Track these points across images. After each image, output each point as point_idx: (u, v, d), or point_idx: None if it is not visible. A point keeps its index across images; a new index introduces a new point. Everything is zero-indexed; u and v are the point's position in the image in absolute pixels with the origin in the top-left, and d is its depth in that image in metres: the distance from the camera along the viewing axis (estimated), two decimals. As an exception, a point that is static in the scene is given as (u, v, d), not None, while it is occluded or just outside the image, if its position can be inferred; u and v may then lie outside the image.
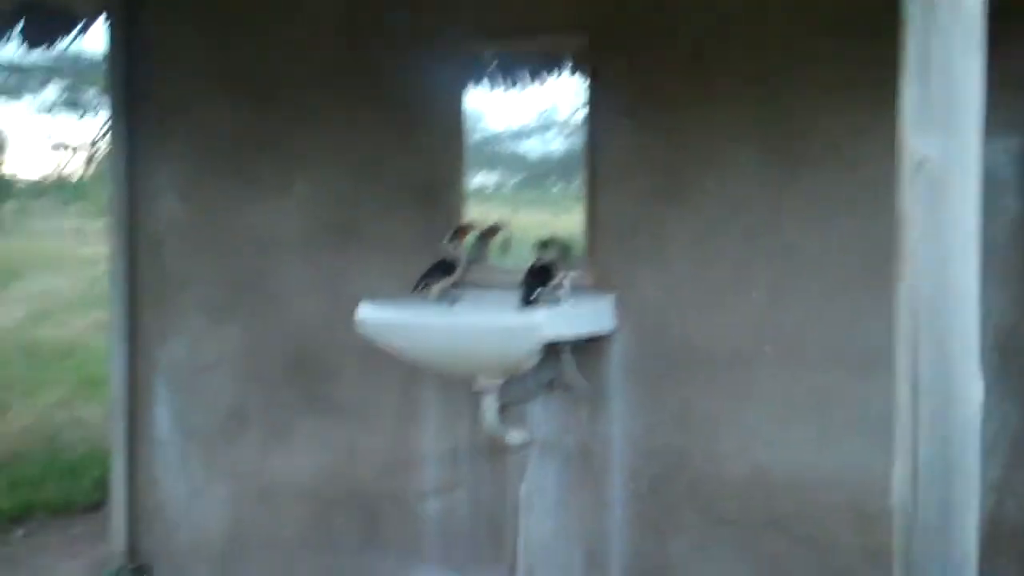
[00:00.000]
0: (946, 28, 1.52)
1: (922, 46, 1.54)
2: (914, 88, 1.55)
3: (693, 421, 3.01)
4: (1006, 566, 2.66)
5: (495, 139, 3.49)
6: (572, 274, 3.04)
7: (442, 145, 3.39)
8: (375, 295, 3.18)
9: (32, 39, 4.57)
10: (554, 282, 3.02)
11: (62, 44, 4.70)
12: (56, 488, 5.18)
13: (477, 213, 3.37)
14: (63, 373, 7.94)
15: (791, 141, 2.86)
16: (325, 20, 3.62)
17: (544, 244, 3.14)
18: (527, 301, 2.97)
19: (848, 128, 2.77)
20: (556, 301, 2.99)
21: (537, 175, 3.50)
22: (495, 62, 3.37)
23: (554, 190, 3.46)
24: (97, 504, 4.97)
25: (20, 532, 4.77)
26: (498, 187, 3.55)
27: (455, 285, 3.23)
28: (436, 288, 3.18)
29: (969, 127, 1.53)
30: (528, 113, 3.37)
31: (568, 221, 3.20)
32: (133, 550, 4.04)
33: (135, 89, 3.97)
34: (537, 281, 3.02)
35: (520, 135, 3.43)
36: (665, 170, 3.04)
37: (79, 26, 4.58)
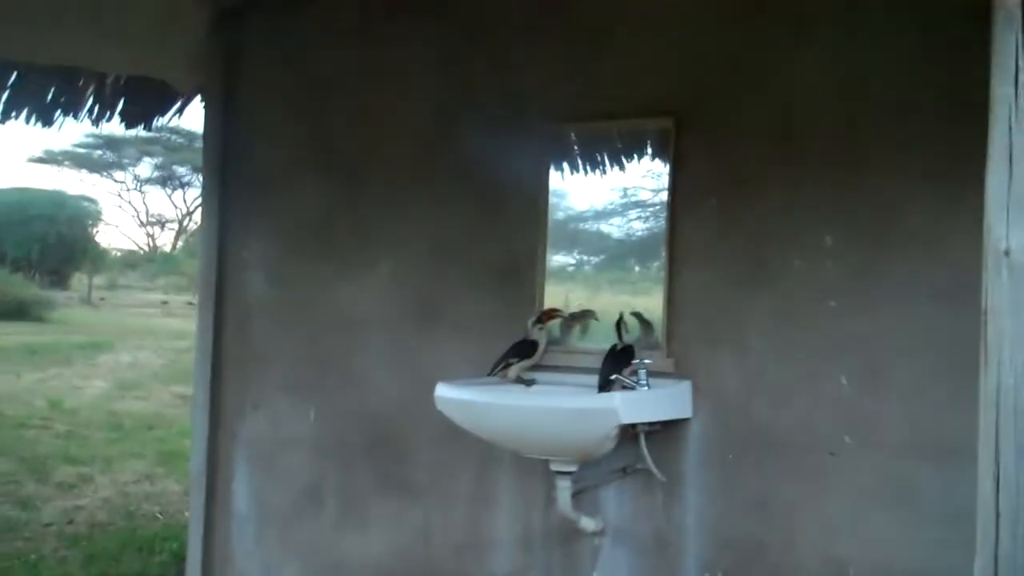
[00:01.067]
0: (1030, 117, 1.53)
1: (1007, 134, 1.55)
2: (998, 177, 1.56)
3: (770, 511, 2.97)
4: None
5: (578, 219, 3.54)
6: (649, 360, 3.04)
7: (523, 225, 3.44)
8: (453, 375, 3.23)
9: (131, 116, 4.78)
10: (633, 365, 3.02)
11: (159, 121, 4.91)
12: (132, 562, 5.25)
13: (557, 293, 3.40)
14: (145, 446, 8.11)
15: (877, 226, 2.85)
16: (415, 102, 3.72)
17: (625, 322, 3.14)
18: (605, 384, 2.98)
19: (937, 215, 2.75)
20: (634, 385, 3.00)
21: (617, 256, 3.53)
22: (579, 143, 3.42)
23: (635, 271, 3.49)
24: (172, 578, 5.03)
25: (97, 606, 4.84)
26: (579, 266, 3.59)
27: (534, 367, 3.25)
28: (514, 369, 3.21)
29: (1055, 217, 1.53)
30: (611, 194, 3.41)
31: (647, 302, 3.22)
32: (206, 626, 4.07)
33: (228, 166, 4.13)
34: (617, 365, 3.03)
35: (602, 215, 3.47)
36: (747, 253, 3.05)
37: (177, 104, 4.80)
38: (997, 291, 1.53)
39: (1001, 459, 1.51)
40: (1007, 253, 1.52)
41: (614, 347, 3.11)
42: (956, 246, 2.65)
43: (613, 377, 3.00)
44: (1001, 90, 1.55)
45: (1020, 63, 1.55)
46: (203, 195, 4.31)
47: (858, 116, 2.90)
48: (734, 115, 3.10)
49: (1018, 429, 1.50)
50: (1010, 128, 1.55)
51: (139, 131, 5.15)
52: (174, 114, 4.85)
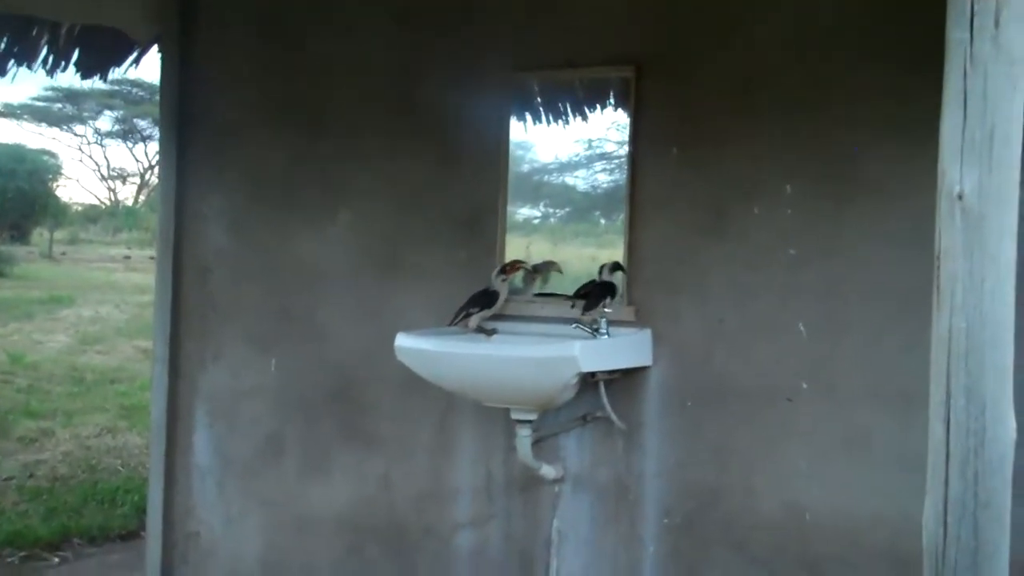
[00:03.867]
0: (986, 61, 1.53)
1: (961, 79, 1.55)
2: (952, 121, 1.56)
3: (729, 457, 3.00)
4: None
5: (543, 171, 3.52)
6: (610, 308, 3.05)
7: (485, 176, 3.42)
8: (415, 326, 3.23)
9: (87, 66, 4.69)
10: (602, 307, 3.04)
11: (116, 72, 4.83)
12: (94, 515, 5.25)
13: (519, 244, 3.40)
14: (107, 400, 8.07)
15: (837, 174, 2.86)
16: (374, 50, 3.68)
17: (609, 267, 3.13)
18: (593, 305, 3.03)
19: (895, 162, 2.76)
20: (593, 333, 3.01)
21: (583, 208, 3.52)
22: (541, 94, 3.40)
23: (600, 224, 3.48)
24: (134, 532, 5.03)
25: (56, 560, 4.82)
26: (544, 219, 3.58)
27: (495, 317, 3.25)
28: (475, 319, 3.21)
29: (1008, 161, 1.53)
30: (575, 146, 3.39)
31: (613, 255, 3.20)
32: (168, 578, 4.08)
33: (186, 117, 4.07)
34: (603, 295, 3.05)
35: (567, 167, 3.45)
36: (708, 203, 3.06)
37: (134, 54, 4.71)
38: (950, 234, 1.53)
39: (952, 402, 1.52)
40: (960, 197, 1.52)
41: (592, 280, 3.12)
42: (915, 193, 2.65)
43: (606, 308, 3.04)
44: (956, 35, 1.55)
45: (975, 7, 1.54)
46: (160, 147, 4.26)
47: (820, 65, 2.90)
48: (696, 65, 3.10)
49: (969, 371, 1.51)
50: (964, 73, 1.55)
51: (95, 82, 5.06)
52: (130, 64, 4.76)
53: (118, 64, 4.75)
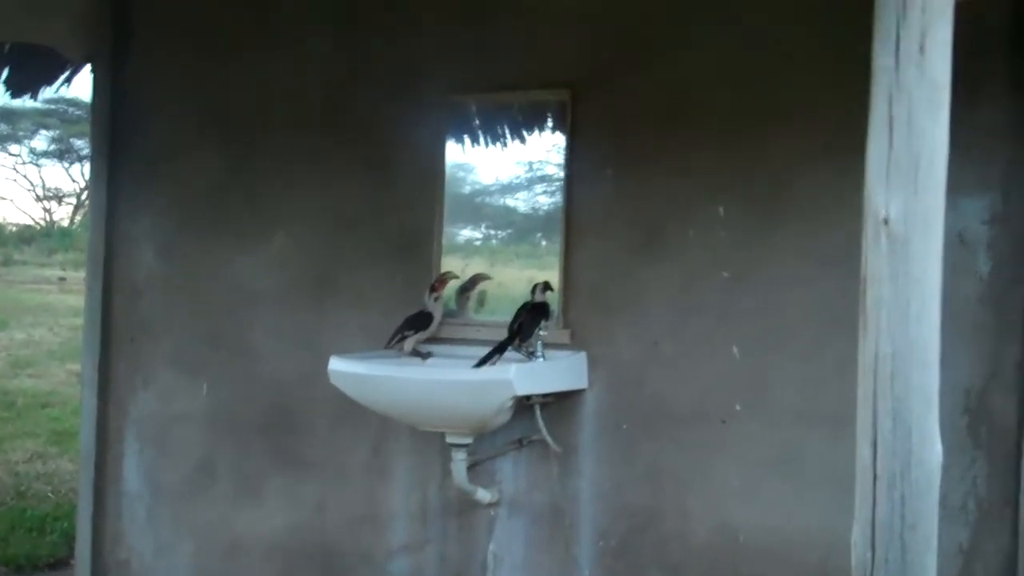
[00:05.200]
0: (911, 87, 1.54)
1: (887, 104, 1.56)
2: (878, 146, 1.56)
3: (664, 479, 3.01)
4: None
5: (483, 192, 3.52)
6: (545, 331, 3.05)
7: (422, 198, 3.41)
8: (350, 349, 3.19)
9: (17, 85, 4.59)
10: (538, 331, 3.02)
11: (47, 91, 4.74)
12: (22, 543, 5.10)
13: (458, 267, 3.38)
14: (38, 425, 7.87)
15: (770, 195, 2.89)
16: (309, 72, 3.65)
17: (540, 287, 3.11)
18: (524, 333, 3.00)
19: (825, 187, 2.80)
20: (528, 357, 3.00)
21: (524, 230, 3.52)
22: (479, 116, 3.39)
23: (541, 245, 3.46)
24: (64, 560, 4.90)
25: (-19, 588, 4.69)
26: (485, 240, 3.56)
27: (430, 339, 3.23)
28: (410, 342, 3.18)
29: (933, 185, 1.54)
30: (516, 168, 3.39)
31: (553, 276, 3.19)
32: (97, 607, 3.98)
33: (118, 137, 4.00)
34: (536, 318, 3.03)
35: (508, 189, 3.45)
36: (643, 225, 3.07)
37: (66, 73, 4.62)
38: (876, 259, 1.53)
39: (878, 424, 1.52)
40: (886, 221, 1.53)
41: (526, 303, 3.10)
42: (846, 214, 2.67)
43: (541, 331, 3.02)
44: (882, 60, 1.56)
45: (900, 33, 1.55)
46: (92, 167, 4.18)
47: (752, 88, 2.93)
48: (631, 87, 3.12)
49: (894, 395, 1.52)
50: (890, 98, 1.56)
51: (27, 101, 4.96)
52: (62, 83, 4.68)
53: (49, 83, 4.66)
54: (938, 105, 1.53)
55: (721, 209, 2.93)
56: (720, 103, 2.96)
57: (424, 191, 3.40)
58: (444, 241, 3.40)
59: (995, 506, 2.62)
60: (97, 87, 4.07)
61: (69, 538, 4.85)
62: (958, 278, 2.54)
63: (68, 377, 9.97)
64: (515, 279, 3.39)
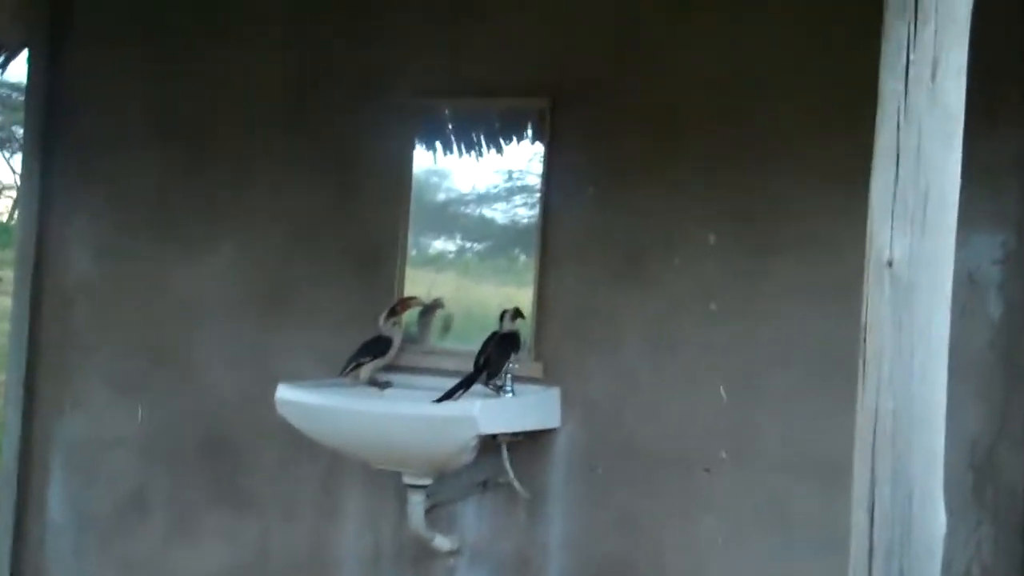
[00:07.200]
0: (921, 115, 1.50)
1: (894, 133, 1.52)
2: (884, 178, 1.53)
3: (639, 529, 2.98)
4: None
5: (459, 201, 3.48)
6: (515, 364, 3.01)
7: (386, 206, 3.38)
8: (301, 374, 3.16)
9: (-53, 71, 4.53)
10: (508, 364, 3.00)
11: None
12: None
13: (425, 283, 3.34)
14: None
15: (766, 225, 2.87)
16: (266, 67, 3.61)
17: (510, 314, 3.07)
18: (496, 367, 2.97)
19: (824, 218, 2.77)
20: (495, 392, 2.97)
21: (502, 243, 3.48)
22: (453, 122, 3.36)
23: (520, 260, 3.41)
24: (-22, 594, 4.82)
25: None
26: (459, 253, 3.53)
27: (389, 367, 3.18)
28: (366, 370, 3.13)
29: (943, 225, 1.50)
30: (495, 177, 3.37)
31: (531, 296, 3.17)
32: (13, 648, 3.92)
33: (53, 129, 3.94)
34: (506, 349, 2.99)
35: (486, 199, 3.42)
36: (626, 249, 3.04)
37: (0, 58, 4.56)
38: (878, 304, 1.50)
39: (876, 489, 1.48)
40: (890, 264, 1.49)
41: (495, 333, 3.06)
42: (847, 247, 2.64)
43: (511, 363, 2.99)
44: (890, 85, 1.52)
45: (911, 56, 1.52)
46: (23, 160, 4.13)
47: (749, 107, 2.91)
48: (617, 99, 3.09)
49: (896, 455, 1.48)
50: (898, 126, 1.52)
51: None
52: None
53: (-18, 71, 4.60)
54: (950, 135, 1.50)
55: (712, 236, 2.90)
56: (715, 120, 2.94)
57: (389, 199, 3.38)
58: (413, 252, 3.38)
59: (1001, 574, 2.60)
60: (32, 74, 4.03)
61: (-15, 570, 4.78)
62: (967, 321, 2.52)
63: (-2, 389, 9.84)
64: (490, 297, 3.35)
